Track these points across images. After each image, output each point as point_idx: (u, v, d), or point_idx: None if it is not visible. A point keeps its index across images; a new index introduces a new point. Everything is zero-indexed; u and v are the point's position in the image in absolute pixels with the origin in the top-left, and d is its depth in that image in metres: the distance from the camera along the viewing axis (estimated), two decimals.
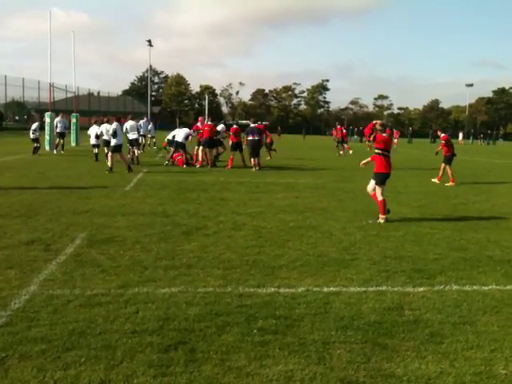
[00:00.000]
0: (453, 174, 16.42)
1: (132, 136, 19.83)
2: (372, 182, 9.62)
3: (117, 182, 14.25)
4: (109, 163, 16.89)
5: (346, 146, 31.30)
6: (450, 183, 16.18)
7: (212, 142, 19.78)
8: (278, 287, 5.50)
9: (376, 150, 9.56)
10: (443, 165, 16.72)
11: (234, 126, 20.98)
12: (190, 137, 20.13)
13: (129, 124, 19.85)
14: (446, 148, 16.76)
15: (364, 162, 10.42)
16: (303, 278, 5.87)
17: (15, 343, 3.95)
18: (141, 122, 27.15)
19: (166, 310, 4.74)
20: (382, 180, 9.47)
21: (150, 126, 29.66)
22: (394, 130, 45.55)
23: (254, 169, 19.10)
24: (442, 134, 17.46)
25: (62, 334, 4.16)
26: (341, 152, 30.52)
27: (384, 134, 9.53)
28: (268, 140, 24.76)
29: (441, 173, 16.73)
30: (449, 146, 16.75)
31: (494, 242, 8.01)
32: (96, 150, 20.92)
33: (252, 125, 20.02)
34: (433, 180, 16.86)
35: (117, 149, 16.99)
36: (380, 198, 9.39)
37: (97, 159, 20.69)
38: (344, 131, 32.28)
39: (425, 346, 4.16)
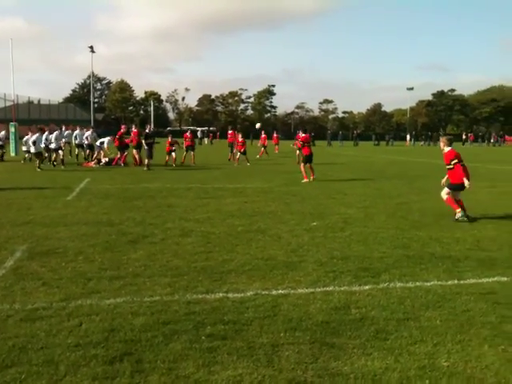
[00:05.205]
0: (308, 171, 17.53)
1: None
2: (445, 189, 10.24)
3: (58, 191, 13.82)
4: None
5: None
6: (305, 179, 17.25)
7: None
8: (226, 292, 5.47)
9: (454, 161, 10.06)
10: (303, 164, 17.92)
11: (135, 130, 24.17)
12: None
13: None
14: (306, 148, 17.98)
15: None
16: (252, 282, 5.87)
17: None
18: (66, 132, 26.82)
19: (110, 322, 4.62)
20: (457, 189, 10.14)
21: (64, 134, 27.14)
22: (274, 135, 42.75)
23: (145, 168, 21.49)
24: (302, 135, 18.95)
25: (1, 350, 3.99)
26: (236, 159, 30.41)
27: (451, 148, 10.24)
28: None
29: (305, 172, 17.56)
30: (308, 146, 17.99)
31: (435, 239, 8.29)
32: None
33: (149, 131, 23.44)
34: (302, 181, 17.29)
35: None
36: (444, 197, 10.15)
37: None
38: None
39: (370, 343, 4.24)
